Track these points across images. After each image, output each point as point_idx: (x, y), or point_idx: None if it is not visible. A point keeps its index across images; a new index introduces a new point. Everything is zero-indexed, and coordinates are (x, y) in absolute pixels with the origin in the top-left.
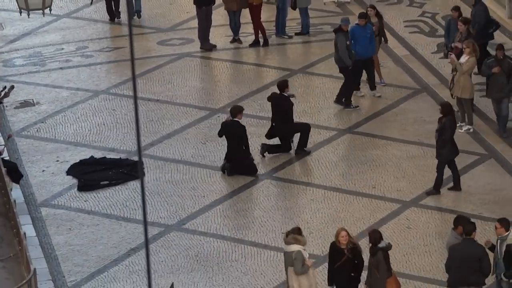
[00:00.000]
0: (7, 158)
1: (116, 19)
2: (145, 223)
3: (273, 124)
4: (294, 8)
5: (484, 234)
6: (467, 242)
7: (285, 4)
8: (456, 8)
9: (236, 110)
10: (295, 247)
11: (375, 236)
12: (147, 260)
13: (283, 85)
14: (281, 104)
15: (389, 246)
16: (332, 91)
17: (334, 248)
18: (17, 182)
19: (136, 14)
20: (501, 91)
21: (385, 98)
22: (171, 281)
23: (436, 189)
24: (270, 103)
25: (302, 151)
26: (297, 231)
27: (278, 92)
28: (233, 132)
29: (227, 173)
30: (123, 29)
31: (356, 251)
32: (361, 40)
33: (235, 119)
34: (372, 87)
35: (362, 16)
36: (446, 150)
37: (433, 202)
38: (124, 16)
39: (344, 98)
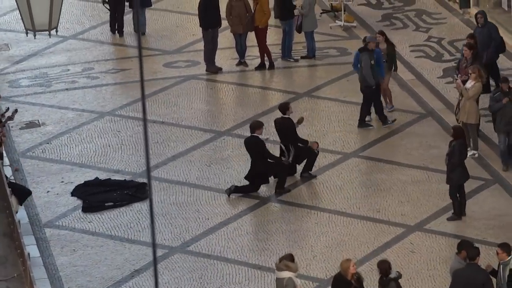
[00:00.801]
0: (13, 180)
1: (119, 36)
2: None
3: (280, 145)
4: (299, 31)
5: (488, 259)
6: (470, 267)
7: (291, 27)
8: (471, 36)
9: (255, 126)
10: (286, 274)
11: (385, 266)
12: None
13: (284, 107)
14: (283, 125)
15: (399, 276)
16: (338, 114)
17: (341, 280)
18: (21, 202)
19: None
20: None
21: (391, 123)
22: None
23: (456, 214)
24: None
25: (308, 175)
26: (289, 257)
27: (280, 115)
28: (252, 148)
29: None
30: (129, 51)
31: (360, 280)
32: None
33: (253, 134)
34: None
35: (368, 40)
36: (456, 174)
37: (437, 227)
38: (127, 35)
39: (363, 118)
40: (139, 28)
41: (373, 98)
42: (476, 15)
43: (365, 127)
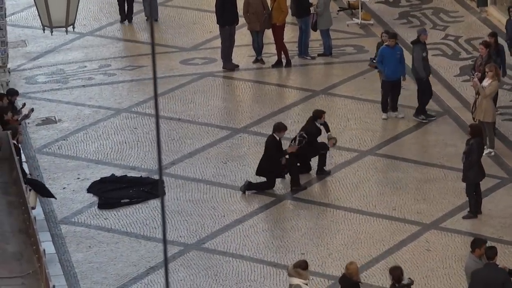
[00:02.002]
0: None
1: (128, 22)
2: (165, 242)
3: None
4: (314, 29)
5: (504, 257)
6: (489, 266)
7: (308, 25)
8: (493, 34)
9: (276, 127)
10: (296, 281)
11: (397, 273)
12: (166, 279)
13: (317, 114)
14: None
15: (412, 282)
16: (354, 112)
17: (348, 282)
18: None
19: (147, 18)
20: None
21: (407, 120)
22: None
23: (472, 212)
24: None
25: (323, 171)
26: (302, 264)
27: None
28: (266, 145)
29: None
30: (145, 47)
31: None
32: (390, 61)
33: (274, 133)
34: (395, 108)
35: (392, 36)
36: (472, 173)
37: (453, 225)
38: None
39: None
40: (152, 14)
41: (423, 89)
42: (509, 8)
43: (422, 117)
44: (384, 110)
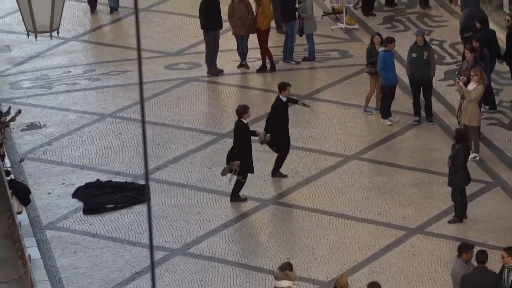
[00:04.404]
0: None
1: (91, 12)
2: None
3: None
4: (301, 34)
5: (489, 262)
6: (480, 270)
7: (293, 30)
8: (478, 39)
9: (240, 111)
10: (285, 283)
11: None
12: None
13: (281, 87)
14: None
15: None
16: (339, 117)
17: None
18: (25, 204)
19: (111, 10)
20: None
21: (392, 125)
22: None
23: (457, 217)
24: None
25: (279, 174)
26: (288, 266)
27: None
28: (234, 132)
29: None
30: (130, 52)
31: None
32: (392, 66)
33: (241, 119)
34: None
35: (390, 40)
36: (458, 177)
37: (438, 230)
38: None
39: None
40: (113, 3)
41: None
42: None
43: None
44: (386, 115)
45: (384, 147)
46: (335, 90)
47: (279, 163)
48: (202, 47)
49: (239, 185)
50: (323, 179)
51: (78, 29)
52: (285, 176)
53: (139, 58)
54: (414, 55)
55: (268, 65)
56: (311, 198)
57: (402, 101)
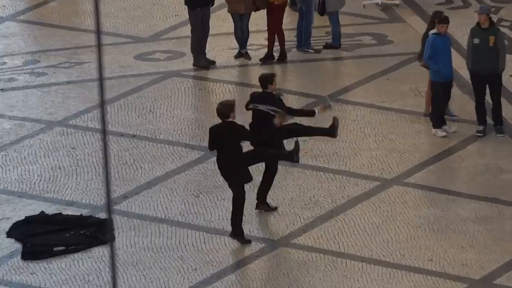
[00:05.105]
0: None
1: None
2: None
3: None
4: (321, 13)
5: None
6: None
7: (311, 7)
8: None
9: (227, 109)
10: None
11: None
12: None
13: (266, 80)
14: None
15: None
16: (374, 125)
17: None
18: None
19: None
20: None
21: (447, 138)
22: None
23: None
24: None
25: (266, 207)
26: None
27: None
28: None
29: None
30: (87, 37)
31: None
32: (444, 54)
33: (227, 120)
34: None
35: (444, 21)
36: None
37: (510, 282)
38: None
39: None
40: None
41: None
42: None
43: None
44: (439, 124)
45: (437, 168)
46: (368, 90)
47: (267, 186)
48: (187, 30)
49: (238, 214)
50: (353, 212)
51: (17, 6)
52: (275, 209)
53: (99, 45)
54: (476, 41)
55: (276, 54)
56: (336, 238)
57: (461, 103)
